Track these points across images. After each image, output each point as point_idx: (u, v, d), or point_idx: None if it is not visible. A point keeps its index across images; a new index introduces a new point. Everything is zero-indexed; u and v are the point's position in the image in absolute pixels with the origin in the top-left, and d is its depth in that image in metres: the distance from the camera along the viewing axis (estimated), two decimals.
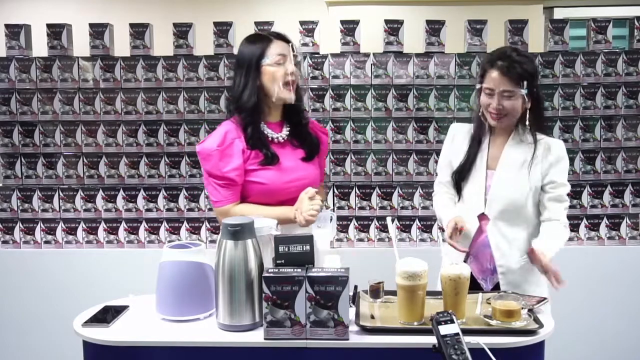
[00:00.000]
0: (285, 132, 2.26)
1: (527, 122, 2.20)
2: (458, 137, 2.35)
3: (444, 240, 2.32)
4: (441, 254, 2.37)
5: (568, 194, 2.26)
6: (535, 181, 2.21)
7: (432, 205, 2.54)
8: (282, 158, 2.20)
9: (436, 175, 2.48)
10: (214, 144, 2.16)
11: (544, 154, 2.21)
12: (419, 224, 3.18)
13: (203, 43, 3.25)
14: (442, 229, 3.10)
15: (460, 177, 2.30)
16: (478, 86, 2.24)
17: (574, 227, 3.18)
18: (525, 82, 2.14)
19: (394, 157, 3.20)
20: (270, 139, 2.22)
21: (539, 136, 2.24)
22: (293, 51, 2.22)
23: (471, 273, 2.05)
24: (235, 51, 3.15)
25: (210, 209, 3.20)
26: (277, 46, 2.19)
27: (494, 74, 2.16)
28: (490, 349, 1.57)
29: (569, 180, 3.17)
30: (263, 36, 2.24)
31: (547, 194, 2.22)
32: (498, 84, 2.15)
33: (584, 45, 3.28)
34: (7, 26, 3.25)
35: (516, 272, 2.22)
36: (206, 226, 3.22)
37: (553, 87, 3.17)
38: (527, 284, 2.21)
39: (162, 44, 3.30)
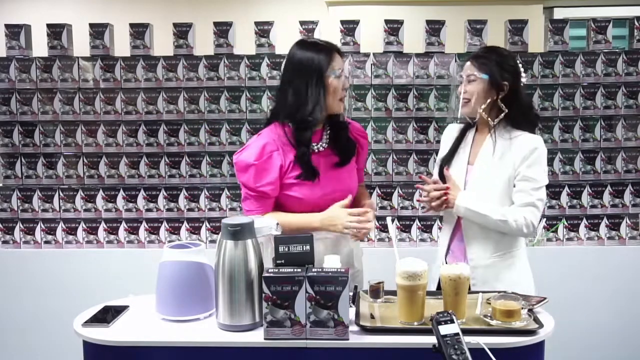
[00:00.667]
0: (325, 139, 2.23)
1: (497, 115, 2.21)
2: (452, 134, 2.39)
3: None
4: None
5: (544, 194, 2.20)
6: (509, 176, 2.19)
7: None
8: (319, 168, 2.17)
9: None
10: (251, 157, 2.13)
11: (517, 148, 2.19)
12: (419, 224, 3.18)
13: (203, 43, 3.25)
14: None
15: (442, 164, 2.33)
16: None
17: (574, 227, 3.18)
18: (485, 68, 2.20)
19: (394, 157, 3.20)
20: (310, 149, 2.19)
21: (517, 132, 2.22)
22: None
23: None
24: (236, 51, 3.20)
25: (210, 209, 3.20)
26: (338, 59, 2.17)
27: (466, 64, 2.28)
28: (490, 349, 1.57)
29: (568, 181, 3.18)
30: (325, 47, 2.18)
31: (514, 188, 2.20)
32: (465, 70, 2.26)
33: (584, 45, 3.28)
34: (7, 26, 3.25)
35: (487, 269, 2.21)
36: (206, 226, 3.22)
37: (553, 87, 3.17)
38: (498, 282, 2.18)
39: (162, 44, 3.30)
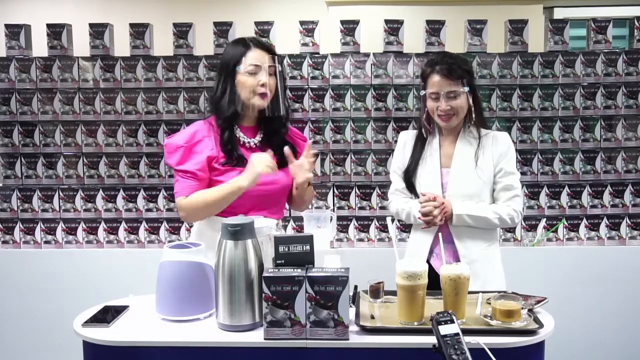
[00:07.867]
0: (258, 137, 2.26)
1: (472, 119, 2.32)
2: (409, 143, 2.43)
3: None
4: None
5: (521, 184, 2.36)
6: (488, 172, 2.30)
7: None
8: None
9: (390, 184, 2.50)
10: (181, 140, 2.19)
11: (492, 145, 2.32)
12: None
13: (203, 43, 3.25)
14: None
15: (407, 176, 2.38)
16: (422, 92, 2.34)
17: (574, 227, 3.18)
18: (465, 81, 2.27)
19: None
20: (241, 142, 2.22)
21: (484, 131, 2.35)
22: (274, 62, 2.21)
23: (433, 271, 2.14)
24: None
25: None
26: (254, 55, 2.18)
27: (435, 78, 2.28)
28: (490, 349, 1.57)
29: (568, 181, 3.18)
30: (245, 42, 2.23)
31: (497, 184, 2.32)
32: (441, 86, 2.27)
33: (584, 45, 3.28)
34: (7, 26, 3.25)
35: (478, 262, 2.26)
36: None
37: (553, 87, 3.17)
38: (484, 272, 2.26)
39: (162, 44, 3.30)
